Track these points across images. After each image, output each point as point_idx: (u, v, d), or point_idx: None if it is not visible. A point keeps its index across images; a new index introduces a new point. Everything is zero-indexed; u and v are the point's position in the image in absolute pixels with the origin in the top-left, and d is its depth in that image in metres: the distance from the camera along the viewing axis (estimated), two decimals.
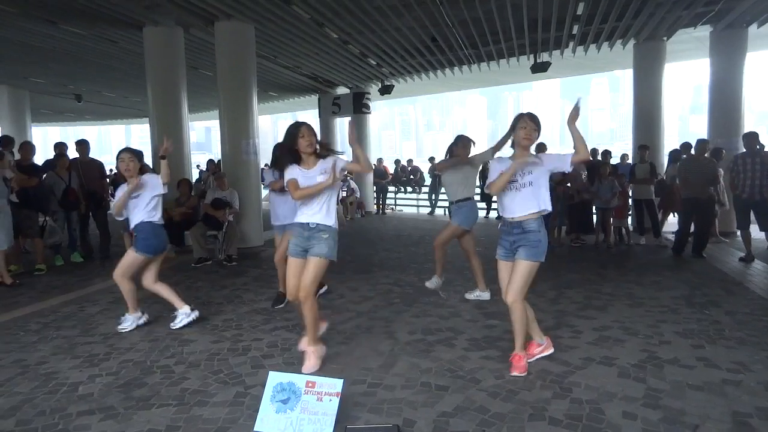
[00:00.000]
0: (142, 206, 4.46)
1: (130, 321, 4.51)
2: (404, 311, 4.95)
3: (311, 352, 3.58)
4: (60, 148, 7.69)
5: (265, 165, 4.99)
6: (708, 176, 7.25)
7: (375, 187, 15.41)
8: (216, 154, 9.81)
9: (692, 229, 7.54)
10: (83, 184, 7.53)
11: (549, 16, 8.49)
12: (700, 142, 7.62)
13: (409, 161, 17.97)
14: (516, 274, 3.38)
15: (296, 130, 3.56)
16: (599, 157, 9.69)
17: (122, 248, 4.60)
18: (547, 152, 3.58)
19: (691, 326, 4.34)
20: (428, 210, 15.06)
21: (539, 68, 11.20)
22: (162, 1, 7.34)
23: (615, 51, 10.90)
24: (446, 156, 5.26)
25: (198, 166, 16.54)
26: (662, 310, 4.84)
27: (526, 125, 3.36)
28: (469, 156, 5.13)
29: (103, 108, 18.59)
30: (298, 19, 8.23)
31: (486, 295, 5.28)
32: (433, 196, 14.79)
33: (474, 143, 5.24)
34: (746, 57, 9.62)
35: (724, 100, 9.65)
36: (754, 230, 7.23)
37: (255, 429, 2.71)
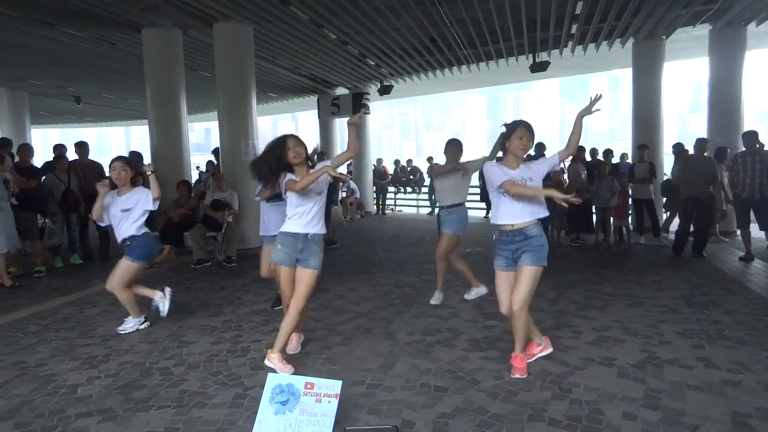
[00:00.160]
0: (132, 221, 4.43)
1: (131, 323, 4.51)
2: (404, 312, 4.95)
3: (279, 358, 3.54)
4: (59, 149, 7.69)
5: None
6: (708, 175, 7.24)
7: (375, 188, 15.41)
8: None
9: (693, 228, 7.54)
10: (83, 186, 7.52)
11: (547, 15, 8.48)
12: (700, 141, 7.61)
13: (409, 161, 17.97)
14: (522, 281, 3.35)
15: (283, 143, 3.51)
16: (599, 157, 9.71)
17: (121, 250, 4.58)
18: (536, 161, 3.50)
19: (691, 326, 4.33)
20: (428, 210, 15.06)
21: (538, 68, 11.19)
22: (160, 3, 7.33)
23: (614, 50, 10.89)
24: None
25: (197, 167, 16.52)
26: (662, 310, 4.83)
27: (522, 135, 3.34)
28: (462, 161, 5.06)
29: (102, 110, 18.57)
30: (296, 19, 8.23)
31: (483, 290, 5.27)
32: (433, 197, 14.79)
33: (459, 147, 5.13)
34: (745, 55, 9.60)
35: (724, 99, 9.63)
36: (754, 229, 7.23)
37: (254, 431, 2.70)
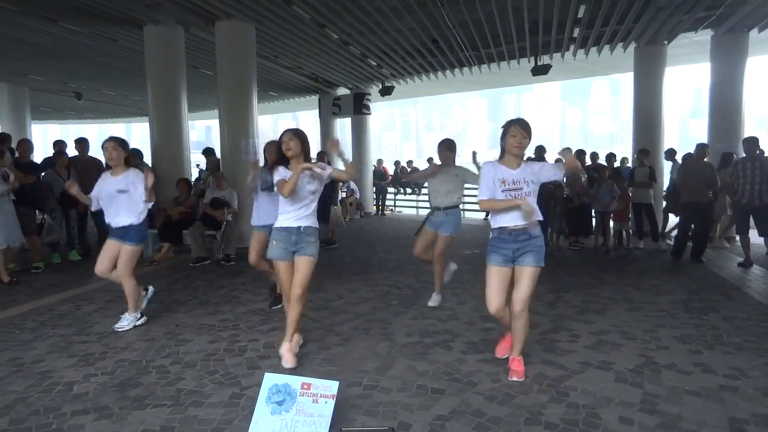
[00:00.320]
0: (131, 205, 4.36)
1: (128, 321, 4.49)
2: (402, 313, 4.94)
3: (288, 349, 3.67)
4: (59, 145, 7.69)
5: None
6: (707, 180, 7.24)
7: (374, 188, 15.40)
8: (216, 154, 9.79)
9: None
10: (82, 182, 7.49)
11: (550, 18, 8.49)
12: (700, 147, 7.61)
13: (409, 162, 17.96)
14: (525, 282, 3.33)
15: (280, 136, 3.72)
16: (600, 161, 9.71)
17: (103, 233, 4.56)
18: (540, 163, 3.47)
19: (689, 331, 4.33)
20: (428, 211, 15.04)
21: (540, 71, 11.19)
22: (163, 0, 7.33)
23: (616, 54, 10.90)
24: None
25: (198, 165, 16.51)
26: (660, 314, 4.83)
27: (516, 133, 3.30)
28: (449, 167, 5.01)
29: (103, 106, 18.56)
30: (298, 19, 8.23)
31: (453, 266, 5.31)
32: None
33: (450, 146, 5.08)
34: (747, 61, 9.61)
35: (725, 105, 9.64)
36: (753, 235, 7.23)
37: (250, 431, 2.69)
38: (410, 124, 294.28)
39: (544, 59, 11.20)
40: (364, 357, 3.82)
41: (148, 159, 9.16)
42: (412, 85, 14.75)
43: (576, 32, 9.35)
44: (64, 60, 11.13)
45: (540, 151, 8.87)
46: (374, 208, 15.41)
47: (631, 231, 8.80)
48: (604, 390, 3.22)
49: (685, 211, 7.56)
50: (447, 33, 9.19)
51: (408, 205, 17.22)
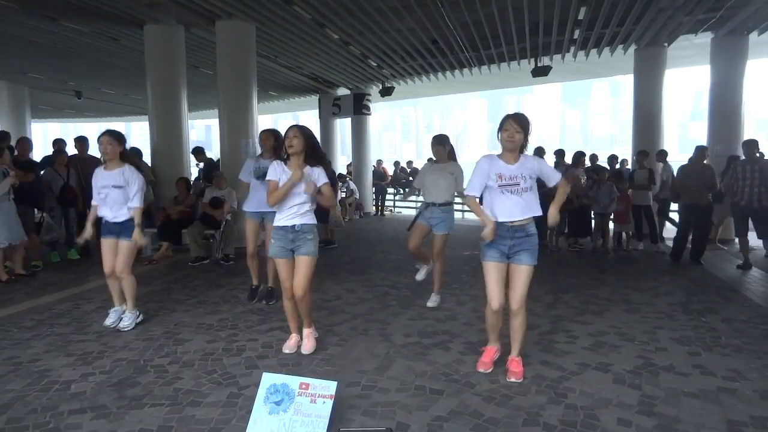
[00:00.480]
0: (123, 200, 4.34)
1: (130, 320, 4.47)
2: (401, 314, 4.94)
3: (308, 334, 3.93)
4: (59, 144, 7.69)
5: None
6: (706, 182, 7.25)
7: (374, 189, 15.41)
8: (216, 153, 9.80)
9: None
10: (81, 181, 7.51)
11: (550, 20, 8.49)
12: (699, 149, 7.62)
13: (409, 163, 17.97)
14: (521, 280, 3.33)
15: (287, 131, 3.76)
16: (600, 163, 9.71)
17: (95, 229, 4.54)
18: (540, 161, 3.46)
19: (687, 333, 4.33)
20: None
21: (540, 72, 11.20)
22: (163, 0, 7.33)
23: (616, 56, 10.90)
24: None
25: (197, 164, 16.52)
26: (659, 316, 4.83)
27: (509, 127, 3.27)
28: (446, 162, 5.04)
29: (103, 105, 18.55)
30: (299, 19, 8.23)
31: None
32: None
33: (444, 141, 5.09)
34: (747, 64, 9.62)
35: (724, 107, 9.65)
36: (752, 238, 7.23)
37: (247, 430, 2.69)
38: (410, 124, 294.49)
39: (545, 60, 11.20)
40: (362, 357, 3.82)
41: (147, 158, 9.16)
42: (412, 86, 14.75)
43: (576, 34, 9.35)
44: (64, 59, 11.12)
45: (539, 153, 8.87)
46: (374, 208, 15.42)
47: (630, 233, 8.81)
48: (603, 391, 3.21)
49: (684, 213, 7.56)
50: (447, 34, 9.19)
51: (407, 206, 17.21)
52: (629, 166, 10.56)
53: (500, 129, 3.33)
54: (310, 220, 3.78)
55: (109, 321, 4.50)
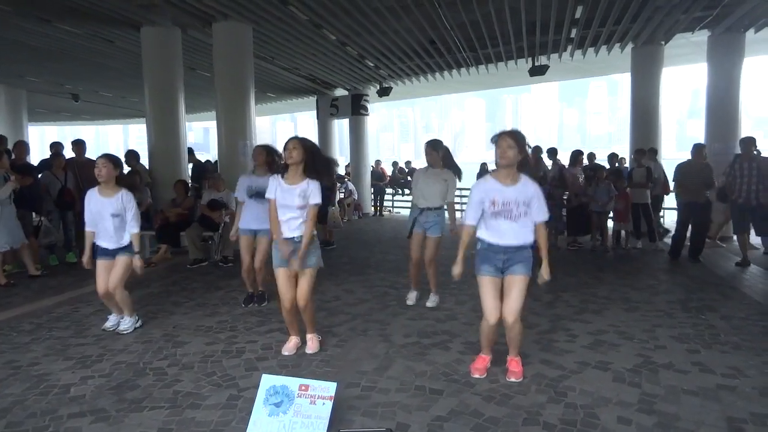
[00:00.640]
0: (120, 227, 4.34)
1: (129, 323, 4.47)
2: (400, 314, 4.94)
3: (312, 338, 3.99)
4: (56, 147, 7.67)
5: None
6: (704, 180, 7.26)
7: (372, 189, 15.40)
8: (214, 155, 9.80)
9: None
10: (79, 184, 7.50)
11: (547, 19, 8.50)
12: (697, 147, 7.63)
13: (407, 163, 17.95)
14: (516, 291, 3.30)
15: (286, 142, 3.77)
16: (597, 161, 9.71)
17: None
18: (538, 191, 3.36)
19: (686, 331, 4.34)
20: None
21: (537, 71, 11.21)
22: (159, 2, 7.32)
23: (613, 55, 10.91)
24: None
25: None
26: (658, 314, 4.83)
27: (501, 143, 3.22)
28: (440, 168, 5.06)
29: (100, 108, 18.53)
30: (295, 20, 8.22)
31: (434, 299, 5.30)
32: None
33: (437, 145, 5.12)
34: (744, 62, 9.63)
35: (722, 105, 9.65)
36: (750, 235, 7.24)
37: None
38: (408, 124, 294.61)
39: (542, 60, 11.22)
40: (362, 358, 3.82)
41: (145, 161, 9.15)
42: (409, 86, 14.76)
43: (573, 33, 9.37)
44: (60, 61, 11.10)
45: (536, 151, 8.88)
46: (372, 209, 15.41)
47: (629, 231, 8.81)
48: (602, 390, 3.22)
49: (683, 211, 7.57)
50: (444, 34, 9.19)
51: (406, 206, 17.22)
52: (627, 165, 10.57)
53: (495, 147, 3.29)
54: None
55: (108, 324, 4.51)
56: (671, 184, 8.70)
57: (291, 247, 3.73)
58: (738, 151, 7.54)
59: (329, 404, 2.71)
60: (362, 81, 14.08)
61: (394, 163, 17.48)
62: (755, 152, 7.02)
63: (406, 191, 16.95)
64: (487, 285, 3.34)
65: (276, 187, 3.75)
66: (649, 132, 10.40)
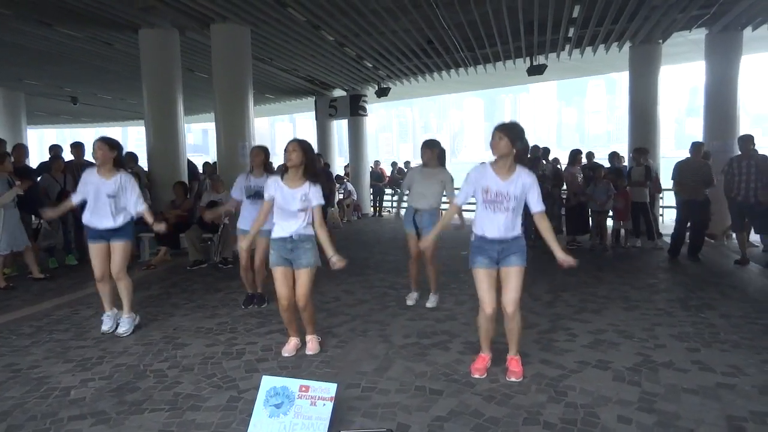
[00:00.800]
0: (118, 212, 4.33)
1: (128, 324, 4.46)
2: (400, 314, 4.94)
3: (312, 339, 3.99)
4: (55, 150, 7.67)
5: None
6: (703, 178, 7.27)
7: (371, 190, 15.40)
8: (213, 157, 9.80)
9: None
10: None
11: (545, 18, 8.51)
12: (695, 145, 7.64)
13: (406, 163, 17.93)
14: (513, 282, 3.33)
15: (287, 145, 3.77)
16: (596, 160, 9.72)
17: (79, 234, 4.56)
18: (534, 181, 3.36)
19: (686, 329, 4.34)
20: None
21: (535, 71, 11.23)
22: (157, 4, 7.32)
23: (611, 54, 10.93)
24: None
25: None
26: (657, 313, 4.84)
27: (494, 135, 3.26)
28: (437, 168, 5.12)
29: (99, 110, 18.54)
30: (293, 21, 8.23)
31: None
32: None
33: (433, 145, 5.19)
34: (741, 59, 9.64)
35: (720, 103, 9.67)
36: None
37: None
38: (407, 125, 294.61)
39: (540, 59, 11.23)
40: (361, 359, 3.82)
41: (144, 163, 9.15)
42: (408, 86, 14.77)
43: (571, 32, 9.38)
44: (59, 64, 11.11)
45: (535, 151, 8.88)
46: (371, 209, 15.41)
47: (629, 229, 8.82)
48: (602, 389, 3.22)
49: (682, 209, 7.58)
50: (442, 34, 9.20)
51: (404, 206, 17.19)
52: (626, 163, 10.58)
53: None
54: (308, 230, 3.78)
55: (105, 327, 4.47)
56: (670, 183, 8.71)
57: (249, 241, 4.04)
58: (736, 148, 7.55)
59: (329, 405, 2.71)
60: (361, 81, 14.09)
61: (393, 164, 17.47)
62: (753, 150, 7.03)
63: (406, 192, 16.93)
64: (482, 277, 3.37)
65: (276, 188, 3.75)
66: (647, 130, 10.40)
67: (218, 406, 3.10)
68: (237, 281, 6.40)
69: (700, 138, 9.24)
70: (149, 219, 4.41)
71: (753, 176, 6.83)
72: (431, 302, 5.19)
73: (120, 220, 4.35)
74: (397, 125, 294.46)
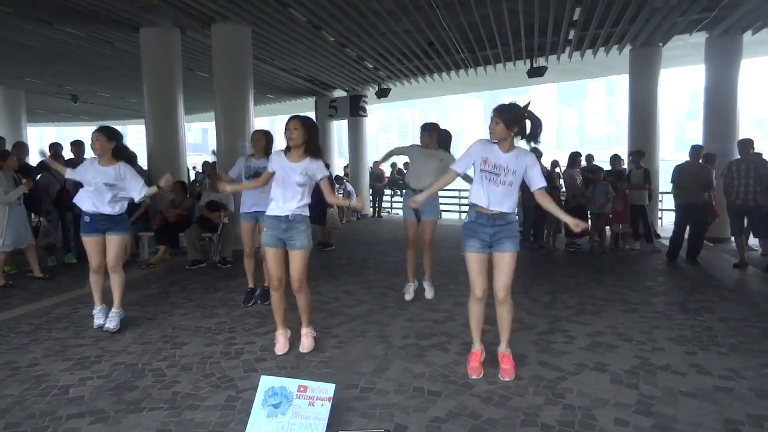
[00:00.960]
0: (116, 200, 4.36)
1: (117, 318, 4.46)
2: (399, 315, 4.94)
3: (307, 333, 3.94)
4: (55, 148, 7.67)
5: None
6: (702, 182, 7.28)
7: (371, 190, 15.41)
8: (212, 156, 9.79)
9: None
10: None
11: (545, 21, 8.52)
12: (695, 148, 7.65)
13: (406, 164, 17.93)
14: (505, 268, 3.33)
15: (287, 123, 3.72)
16: (595, 163, 9.72)
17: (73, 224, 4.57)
18: (533, 160, 3.37)
19: (684, 332, 4.35)
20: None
21: (536, 73, 11.24)
22: (159, 3, 7.33)
23: (611, 56, 10.95)
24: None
25: (194, 167, 16.53)
26: (656, 315, 4.85)
27: (491, 119, 3.29)
28: (435, 149, 5.16)
29: (99, 108, 18.54)
30: (294, 21, 8.24)
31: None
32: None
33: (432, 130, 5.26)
34: (741, 63, 9.67)
35: (720, 106, 9.69)
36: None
37: None
38: (407, 126, 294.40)
39: (540, 61, 11.24)
40: (360, 359, 3.82)
41: (143, 161, 9.15)
42: (408, 87, 14.78)
43: (571, 34, 9.39)
44: (60, 62, 11.11)
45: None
46: (371, 210, 15.41)
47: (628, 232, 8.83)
48: (600, 391, 3.23)
49: (681, 212, 7.59)
50: (443, 35, 9.21)
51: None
52: (625, 166, 10.59)
53: None
54: (304, 211, 3.75)
55: (99, 321, 4.48)
56: (669, 186, 8.72)
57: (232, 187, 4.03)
58: (736, 151, 7.57)
59: (328, 405, 2.72)
60: (361, 82, 14.10)
61: (393, 164, 17.47)
62: (753, 153, 7.04)
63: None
64: (474, 261, 3.38)
65: (278, 163, 3.73)
66: (647, 133, 10.43)
67: (216, 405, 3.10)
68: (236, 281, 6.42)
69: (699, 141, 9.26)
70: (163, 183, 4.41)
71: (752, 180, 6.85)
72: (428, 293, 5.24)
73: (117, 208, 4.38)
74: (397, 126, 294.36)
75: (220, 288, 6.11)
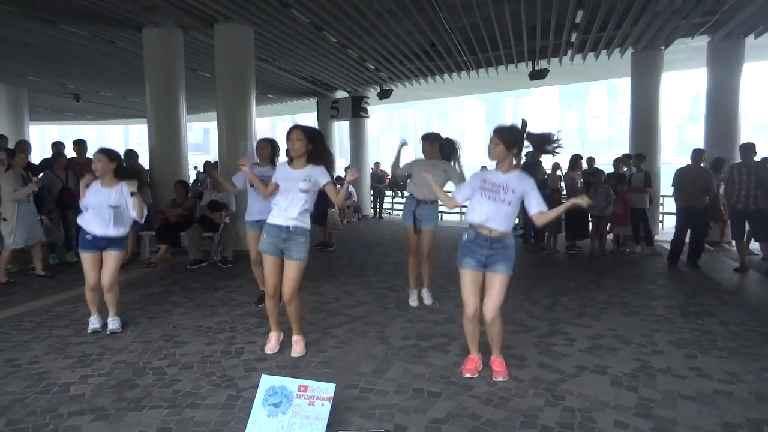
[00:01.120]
0: (120, 221, 4.39)
1: (117, 322, 4.48)
2: (399, 316, 4.95)
3: (297, 341, 3.93)
4: (57, 147, 7.68)
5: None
6: (703, 185, 7.28)
7: (372, 191, 15.42)
8: (214, 156, 9.81)
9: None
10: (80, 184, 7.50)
11: (547, 23, 8.53)
12: (696, 152, 7.66)
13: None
14: (496, 289, 3.35)
15: (288, 133, 3.76)
16: (596, 165, 9.72)
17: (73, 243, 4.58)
18: (531, 184, 3.39)
19: (684, 336, 4.35)
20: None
21: (537, 75, 11.25)
22: (161, 3, 7.35)
23: (613, 59, 10.95)
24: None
25: (195, 167, 16.56)
26: (656, 319, 4.85)
27: (491, 140, 3.34)
28: (439, 160, 5.14)
29: (101, 107, 18.55)
30: (297, 22, 8.25)
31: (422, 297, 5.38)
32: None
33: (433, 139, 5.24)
34: (743, 67, 9.67)
35: (721, 110, 9.69)
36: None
37: None
38: (408, 127, 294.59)
39: (542, 64, 11.25)
40: (360, 360, 3.83)
41: (145, 161, 9.17)
42: (410, 89, 14.79)
43: (573, 37, 9.40)
44: (62, 62, 11.13)
45: (532, 157, 8.88)
46: (372, 211, 15.42)
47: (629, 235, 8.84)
48: (600, 394, 3.23)
49: (682, 216, 7.59)
50: (445, 37, 9.22)
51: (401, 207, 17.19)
52: (626, 169, 10.59)
53: None
54: (305, 222, 3.75)
55: (95, 325, 4.45)
56: (670, 190, 8.72)
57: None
58: (737, 155, 7.57)
59: (328, 405, 2.73)
60: (363, 83, 14.11)
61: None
62: (755, 158, 7.04)
63: (406, 193, 16.92)
64: (467, 278, 3.42)
65: (282, 173, 3.79)
66: (648, 136, 10.44)
67: (217, 404, 3.11)
68: (237, 280, 6.44)
69: (701, 145, 9.26)
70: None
71: (753, 184, 6.84)
72: (427, 298, 5.26)
73: (121, 231, 4.40)
74: (398, 127, 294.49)
75: (220, 287, 6.12)
